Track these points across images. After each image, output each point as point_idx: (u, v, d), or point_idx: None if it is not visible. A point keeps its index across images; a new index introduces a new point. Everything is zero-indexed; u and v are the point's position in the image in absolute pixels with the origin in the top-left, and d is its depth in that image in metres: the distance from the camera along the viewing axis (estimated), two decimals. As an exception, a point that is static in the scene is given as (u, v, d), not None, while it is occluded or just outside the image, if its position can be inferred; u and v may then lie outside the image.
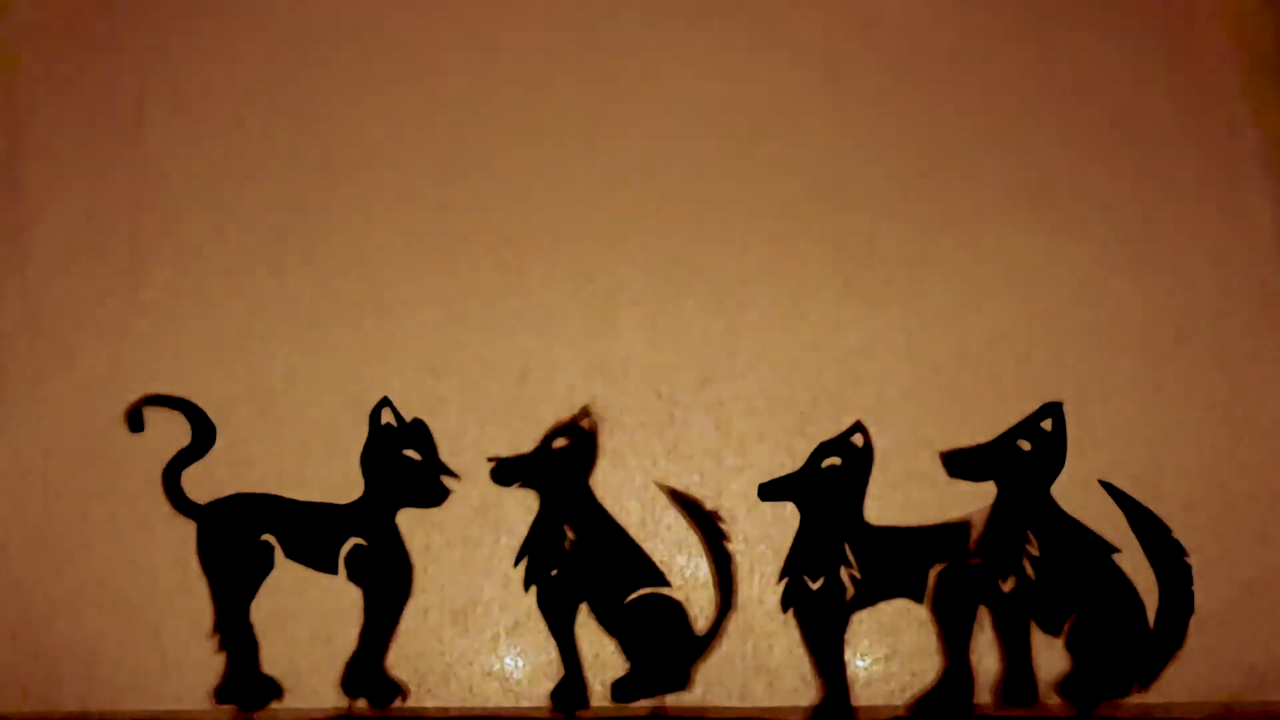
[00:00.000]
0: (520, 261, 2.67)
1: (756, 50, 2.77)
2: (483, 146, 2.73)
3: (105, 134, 2.75)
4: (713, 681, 2.46)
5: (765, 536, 2.52)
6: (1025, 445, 2.53)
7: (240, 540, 2.51)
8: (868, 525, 2.50)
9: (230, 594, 2.49)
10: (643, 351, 2.62)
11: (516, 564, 2.51)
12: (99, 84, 2.78)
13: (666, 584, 2.50)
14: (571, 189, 2.71)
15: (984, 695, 2.44)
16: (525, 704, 2.47)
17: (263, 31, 2.80)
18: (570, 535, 2.51)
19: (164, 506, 2.54)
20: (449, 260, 2.67)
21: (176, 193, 2.72)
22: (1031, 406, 2.55)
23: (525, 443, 2.57)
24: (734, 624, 2.48)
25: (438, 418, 2.58)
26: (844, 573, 2.48)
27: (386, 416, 2.57)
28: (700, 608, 2.50)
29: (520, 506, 2.54)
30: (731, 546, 2.52)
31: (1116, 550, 2.48)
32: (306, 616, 2.50)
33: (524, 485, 2.54)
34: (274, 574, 2.51)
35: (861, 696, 2.46)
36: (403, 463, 2.55)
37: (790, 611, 2.48)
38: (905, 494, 2.52)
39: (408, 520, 2.54)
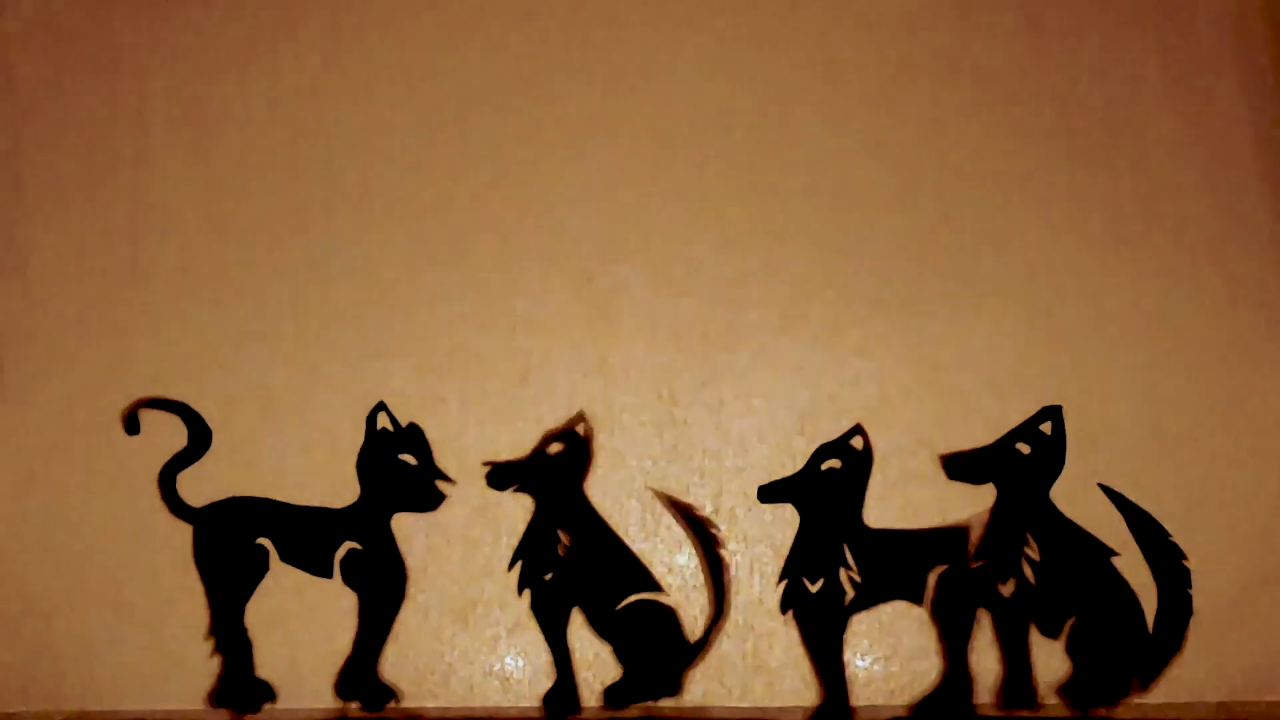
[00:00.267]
0: (520, 261, 2.67)
1: (756, 50, 2.76)
2: (482, 146, 2.73)
3: (105, 134, 2.75)
4: (713, 682, 2.47)
5: (765, 536, 2.52)
6: (1024, 448, 2.52)
7: (236, 544, 2.52)
8: (867, 528, 2.50)
9: (225, 597, 2.50)
10: (643, 351, 2.62)
11: (510, 567, 2.51)
12: (99, 84, 2.77)
13: (659, 589, 2.51)
14: (571, 189, 2.70)
15: (984, 698, 2.44)
16: (526, 704, 2.48)
17: (263, 32, 2.79)
18: (564, 540, 2.52)
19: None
20: (449, 260, 2.67)
21: (176, 193, 2.71)
22: (1031, 406, 2.55)
23: (525, 443, 2.57)
24: (734, 624, 2.49)
25: (437, 418, 2.58)
26: (843, 575, 2.48)
27: (383, 421, 2.57)
28: (700, 608, 2.50)
29: (521, 507, 2.54)
30: (726, 551, 2.52)
31: (1115, 553, 2.48)
32: (301, 620, 2.50)
33: (519, 490, 2.54)
34: (269, 578, 2.51)
35: (861, 696, 2.46)
36: (398, 467, 2.55)
37: (790, 613, 2.48)
38: (905, 494, 2.52)
39: (408, 521, 2.54)
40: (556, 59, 2.77)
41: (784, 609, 2.48)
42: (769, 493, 2.53)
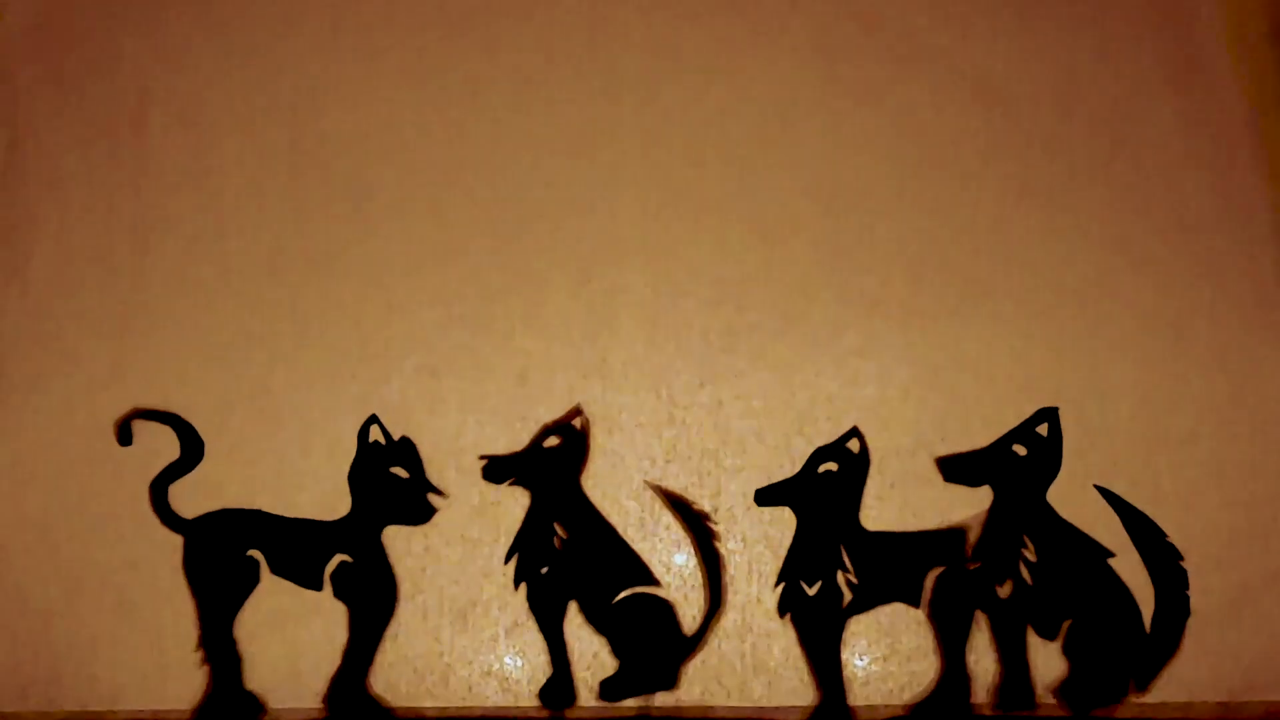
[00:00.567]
0: (520, 261, 2.67)
1: (755, 50, 2.76)
2: (482, 146, 2.73)
3: (105, 134, 2.75)
4: (711, 681, 2.47)
5: (764, 537, 2.52)
6: (1021, 450, 2.53)
7: (226, 555, 2.51)
8: (864, 530, 2.51)
9: (215, 609, 2.49)
10: (642, 352, 2.62)
11: (507, 561, 2.51)
12: (99, 84, 2.77)
13: (656, 583, 2.51)
14: (571, 189, 2.70)
15: (981, 698, 2.44)
16: (525, 704, 2.48)
17: (263, 32, 2.79)
18: (561, 533, 2.52)
19: (164, 507, 2.55)
20: (449, 260, 2.67)
21: (176, 193, 2.72)
22: (1031, 408, 2.55)
23: (524, 444, 2.57)
24: (732, 623, 2.49)
25: (437, 418, 2.58)
26: (841, 578, 2.48)
27: (374, 434, 2.57)
28: (699, 606, 2.50)
29: (519, 506, 2.54)
30: (722, 546, 2.52)
31: (1112, 554, 2.48)
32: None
33: (515, 483, 2.55)
34: (259, 590, 2.51)
35: (860, 696, 2.46)
36: (390, 480, 2.55)
37: (787, 616, 2.48)
38: (905, 495, 2.53)
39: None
40: (556, 59, 2.77)
41: (782, 612, 2.48)
42: (766, 496, 2.53)
